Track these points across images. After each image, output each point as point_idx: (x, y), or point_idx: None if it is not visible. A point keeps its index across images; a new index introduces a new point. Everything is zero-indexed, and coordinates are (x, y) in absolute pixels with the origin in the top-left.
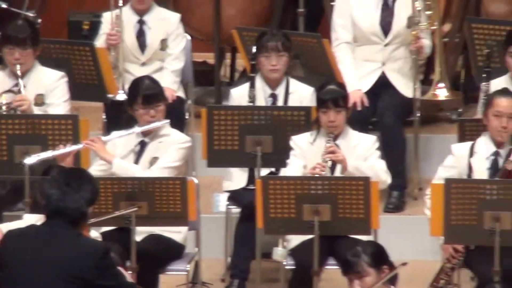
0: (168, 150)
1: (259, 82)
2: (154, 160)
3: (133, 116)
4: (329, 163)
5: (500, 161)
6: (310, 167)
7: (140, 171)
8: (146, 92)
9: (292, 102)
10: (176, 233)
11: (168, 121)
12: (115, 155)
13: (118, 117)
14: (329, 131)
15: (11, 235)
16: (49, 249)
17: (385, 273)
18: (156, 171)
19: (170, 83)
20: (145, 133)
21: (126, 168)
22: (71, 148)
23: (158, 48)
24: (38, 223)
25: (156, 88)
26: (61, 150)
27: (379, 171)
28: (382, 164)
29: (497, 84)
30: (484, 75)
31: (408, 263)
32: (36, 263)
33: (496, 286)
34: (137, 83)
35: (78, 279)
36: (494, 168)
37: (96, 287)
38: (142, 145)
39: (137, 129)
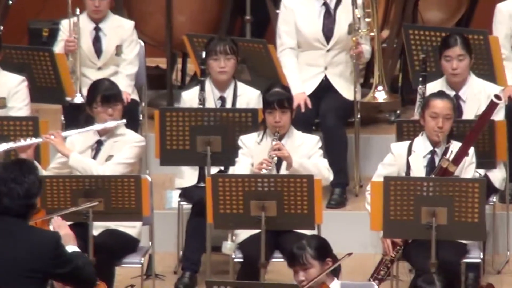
0: (123, 148)
1: (208, 85)
2: (109, 158)
3: (91, 116)
4: (275, 159)
5: (436, 160)
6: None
7: (96, 165)
8: (105, 92)
9: (240, 104)
10: (131, 228)
11: (124, 121)
12: (73, 150)
13: (75, 119)
14: (275, 131)
15: None
16: (4, 245)
17: (328, 265)
18: (111, 166)
19: (125, 87)
20: (101, 133)
21: (82, 161)
22: (31, 141)
23: (113, 54)
24: None
25: (114, 89)
26: (22, 143)
27: (322, 168)
28: (325, 162)
29: (432, 87)
30: (421, 79)
31: (353, 253)
32: None
33: (432, 277)
34: (97, 84)
35: (36, 272)
36: (430, 166)
37: (54, 277)
38: (99, 143)
39: (95, 126)
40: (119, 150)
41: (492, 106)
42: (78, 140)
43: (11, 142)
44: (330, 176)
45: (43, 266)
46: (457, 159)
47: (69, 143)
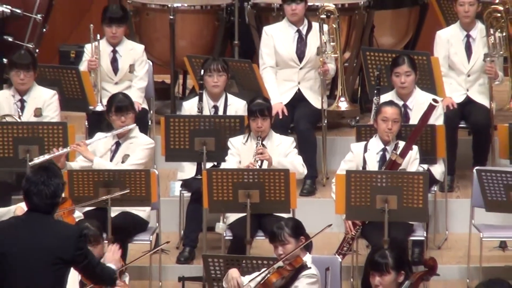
0: (136, 150)
1: (204, 96)
2: (126, 156)
3: (110, 124)
4: (259, 162)
5: (387, 156)
6: (244, 163)
7: (113, 167)
8: (118, 103)
9: (229, 112)
10: (141, 211)
11: (135, 125)
12: (95, 154)
13: (97, 123)
14: (257, 135)
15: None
16: (34, 237)
17: (302, 241)
18: (126, 167)
19: (137, 98)
20: (119, 136)
21: (103, 165)
22: (62, 151)
23: (127, 71)
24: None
25: (126, 100)
26: (54, 153)
27: (297, 165)
28: (299, 159)
29: (385, 98)
30: (375, 91)
31: (332, 225)
32: (25, 251)
33: (385, 251)
34: (113, 97)
35: (61, 259)
36: (382, 160)
37: (76, 265)
38: (117, 145)
39: (111, 133)
40: (133, 150)
41: (431, 108)
42: (100, 143)
43: (46, 154)
44: (305, 171)
45: (66, 254)
46: (403, 153)
47: (93, 146)
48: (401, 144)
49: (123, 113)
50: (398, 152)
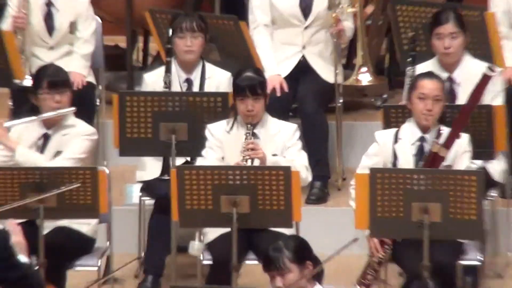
0: (73, 141)
1: (173, 67)
2: (58, 154)
3: (36, 107)
4: (249, 162)
5: (426, 147)
6: (228, 160)
7: (44, 160)
8: (52, 77)
9: (208, 88)
10: (85, 225)
11: (73, 108)
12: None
13: (25, 104)
14: (247, 121)
15: None
16: None
17: (308, 269)
18: (60, 162)
19: (80, 68)
20: (48, 125)
21: (29, 156)
22: None
23: (67, 31)
24: None
25: (62, 74)
26: None
27: (298, 168)
28: (303, 159)
29: (423, 68)
30: (409, 59)
31: (358, 239)
32: None
33: (426, 282)
34: (43, 68)
35: None
36: (420, 154)
37: (1, 282)
38: (46, 138)
39: (42, 116)
40: (68, 144)
41: (485, 80)
42: (24, 134)
43: None
44: (309, 177)
45: None
46: (448, 143)
47: (15, 136)
48: (446, 130)
49: (58, 90)
50: (441, 142)
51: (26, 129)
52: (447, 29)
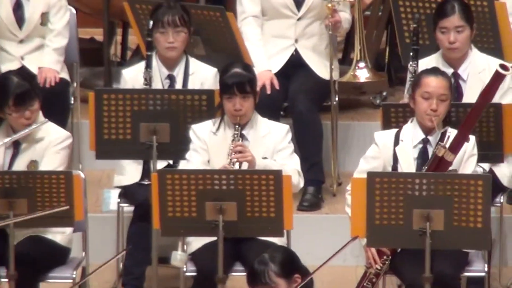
0: (48, 156)
1: (154, 62)
2: (32, 164)
3: (1, 119)
4: (236, 165)
5: (430, 150)
6: (214, 164)
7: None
8: (17, 90)
9: (192, 85)
10: (59, 234)
11: (46, 120)
12: None
13: None
14: (235, 121)
15: None
16: None
17: (297, 282)
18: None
19: (52, 63)
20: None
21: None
22: None
23: (38, 23)
24: None
25: (26, 84)
26: None
27: (290, 173)
28: (295, 163)
29: (426, 63)
30: (412, 54)
31: (358, 237)
32: None
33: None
34: (4, 82)
35: None
36: (422, 157)
37: None
38: (15, 147)
39: (14, 136)
40: (42, 154)
41: (496, 79)
42: None
43: None
44: (301, 183)
45: None
46: (455, 146)
47: None
48: (452, 133)
49: (26, 105)
50: (447, 145)
51: None
52: (452, 22)
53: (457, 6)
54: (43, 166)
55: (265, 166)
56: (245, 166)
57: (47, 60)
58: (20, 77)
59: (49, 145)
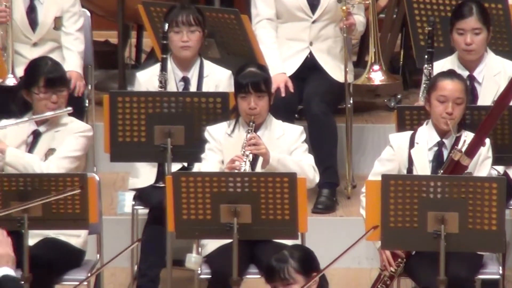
0: (67, 139)
1: (169, 64)
2: (50, 152)
3: (28, 102)
4: (250, 156)
5: (445, 153)
6: (228, 162)
7: (38, 161)
8: (50, 74)
9: (206, 87)
10: (74, 237)
11: (70, 108)
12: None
13: (7, 104)
14: (249, 120)
15: None
16: None
17: (315, 281)
18: (55, 161)
19: (79, 67)
20: (39, 122)
21: (21, 157)
22: None
23: (51, 27)
24: None
25: (60, 70)
26: None
27: (305, 167)
28: (310, 159)
29: (441, 66)
30: (426, 56)
31: (378, 227)
32: None
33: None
34: (38, 63)
35: None
36: (437, 160)
37: None
38: (36, 135)
39: (36, 116)
40: (61, 142)
41: None
42: (10, 132)
43: None
44: (316, 177)
45: None
46: (471, 151)
47: (1, 134)
48: (468, 136)
49: (56, 89)
50: (463, 149)
51: (15, 126)
52: (469, 24)
53: (475, 8)
54: (61, 150)
55: (279, 160)
56: (259, 163)
57: (73, 64)
58: (53, 62)
59: (70, 132)
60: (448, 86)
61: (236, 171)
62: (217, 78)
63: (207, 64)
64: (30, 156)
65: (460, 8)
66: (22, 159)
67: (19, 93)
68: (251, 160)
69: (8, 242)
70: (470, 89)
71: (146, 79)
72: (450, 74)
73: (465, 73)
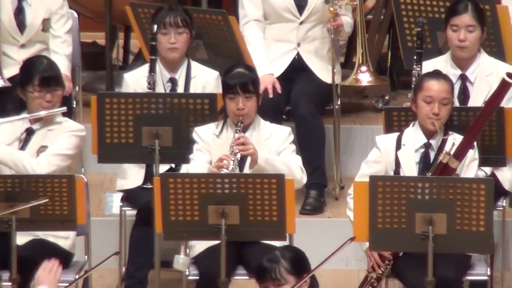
0: (59, 137)
1: (156, 65)
2: (42, 149)
3: (22, 101)
4: (238, 155)
5: (432, 154)
6: (216, 161)
7: (28, 157)
8: (45, 73)
9: (194, 88)
10: (62, 238)
11: (65, 108)
12: None
13: (1, 105)
14: (238, 120)
15: None
16: None
17: (306, 282)
18: (46, 158)
19: (67, 70)
20: (33, 120)
21: (11, 153)
22: None
23: (39, 29)
24: None
25: (55, 69)
26: None
27: (293, 168)
28: (298, 160)
29: (433, 65)
30: (415, 57)
31: (355, 238)
32: None
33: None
34: (34, 61)
35: None
36: (424, 162)
37: None
38: (29, 132)
39: (29, 115)
40: (54, 140)
41: (503, 87)
42: (4, 129)
43: None
44: (304, 178)
45: None
46: (460, 153)
47: None
48: (457, 139)
49: (50, 88)
50: (452, 152)
51: (7, 124)
52: (464, 20)
53: (470, 5)
54: (54, 147)
55: (267, 160)
56: (247, 164)
57: (61, 67)
58: (49, 61)
59: (63, 131)
60: (434, 87)
61: (224, 169)
62: (205, 79)
63: (195, 65)
64: (20, 153)
65: (455, 5)
66: (12, 155)
67: (14, 92)
68: (239, 159)
69: (57, 274)
70: (462, 89)
71: (134, 80)
72: (436, 74)
73: (457, 72)
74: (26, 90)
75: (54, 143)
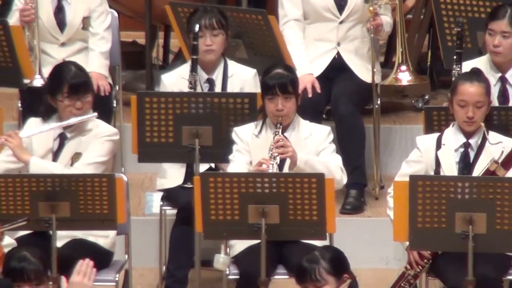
0: (93, 144)
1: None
2: (76, 156)
3: (53, 107)
4: (278, 158)
5: (471, 154)
6: (255, 163)
7: (61, 169)
8: (73, 80)
9: (231, 87)
10: (102, 237)
11: (95, 114)
12: (31, 152)
13: (35, 105)
14: (277, 121)
15: None
16: None
17: (345, 282)
18: (80, 168)
19: (101, 67)
20: (65, 127)
21: (45, 167)
22: None
23: (80, 27)
24: None
25: (83, 76)
26: None
27: (333, 168)
28: (338, 160)
29: (473, 65)
30: (455, 57)
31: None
32: None
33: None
34: (62, 69)
35: None
36: (464, 161)
37: None
38: (62, 139)
39: (60, 123)
40: (87, 146)
41: None
42: (36, 136)
43: None
44: (344, 178)
45: None
46: (508, 162)
47: (25, 139)
48: (505, 147)
49: (80, 95)
50: (500, 160)
51: (42, 133)
52: (500, 26)
53: (510, 11)
54: (87, 156)
55: (307, 162)
56: (286, 164)
57: (95, 65)
58: (78, 68)
59: (96, 136)
60: (468, 90)
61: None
62: (242, 77)
63: (231, 64)
64: (53, 165)
65: (495, 9)
66: (46, 169)
67: (44, 97)
68: (278, 162)
69: (92, 276)
70: (502, 90)
71: (171, 82)
72: (470, 77)
73: (497, 75)
74: (55, 99)
75: (88, 151)
